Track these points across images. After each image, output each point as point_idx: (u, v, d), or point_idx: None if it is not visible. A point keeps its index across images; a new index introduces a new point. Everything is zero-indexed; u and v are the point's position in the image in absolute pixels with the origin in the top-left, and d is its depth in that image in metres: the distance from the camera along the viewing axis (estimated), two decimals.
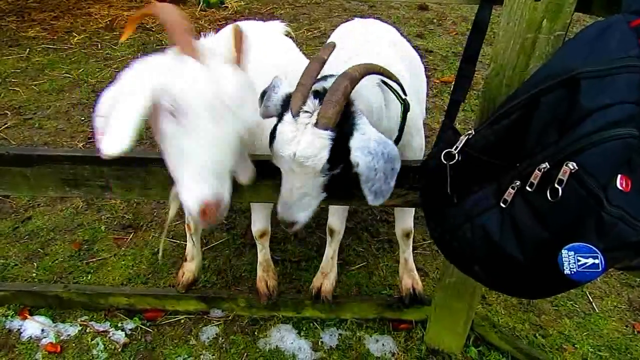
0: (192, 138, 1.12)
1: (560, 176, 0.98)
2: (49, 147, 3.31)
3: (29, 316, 2.09)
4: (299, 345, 2.02)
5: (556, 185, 0.98)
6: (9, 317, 2.09)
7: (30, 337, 2.02)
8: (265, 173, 1.59)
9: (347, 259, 2.50)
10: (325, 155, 1.25)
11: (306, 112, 1.27)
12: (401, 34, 2.31)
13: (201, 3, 5.60)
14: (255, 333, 2.08)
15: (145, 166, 1.58)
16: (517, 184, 1.08)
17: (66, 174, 1.61)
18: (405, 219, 2.07)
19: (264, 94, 1.42)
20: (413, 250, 2.57)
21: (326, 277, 2.11)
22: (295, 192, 1.35)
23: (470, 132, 1.20)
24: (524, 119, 1.10)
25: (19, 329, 2.05)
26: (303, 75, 1.31)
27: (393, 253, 2.55)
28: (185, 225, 2.11)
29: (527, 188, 1.05)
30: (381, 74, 1.39)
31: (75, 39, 5.03)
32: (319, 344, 2.03)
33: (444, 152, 1.20)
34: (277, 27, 2.46)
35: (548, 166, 1.01)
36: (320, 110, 1.24)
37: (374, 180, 1.28)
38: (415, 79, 1.91)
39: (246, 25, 2.04)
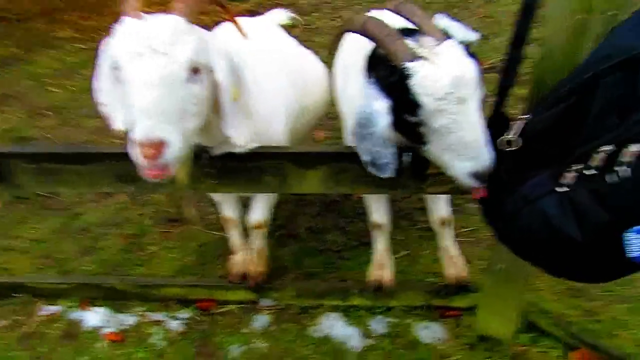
0: (127, 85, 1.19)
1: (623, 158, 0.98)
2: (90, 145, 3.42)
3: (90, 307, 2.19)
4: (349, 332, 2.07)
5: (618, 168, 0.99)
6: (72, 308, 2.20)
7: (92, 326, 2.12)
8: (309, 164, 1.63)
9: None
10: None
11: (417, 48, 1.22)
12: None
13: None
14: (305, 321, 2.13)
15: (195, 159, 1.63)
16: (577, 167, 1.08)
17: (120, 170, 1.67)
18: (441, 207, 2.03)
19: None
20: (455, 237, 2.58)
21: (383, 268, 2.11)
22: (481, 123, 1.24)
23: (525, 116, 1.20)
24: (581, 102, 1.10)
25: (80, 320, 2.16)
26: (383, 28, 1.25)
27: (435, 240, 2.56)
28: (222, 220, 2.18)
29: (588, 171, 1.05)
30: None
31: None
32: (369, 331, 2.08)
33: (505, 139, 1.21)
34: (278, 17, 2.48)
35: (609, 149, 1.01)
36: (426, 30, 1.24)
37: None
38: None
39: (242, 22, 2.15)
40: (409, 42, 1.24)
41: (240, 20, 2.25)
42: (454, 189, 1.64)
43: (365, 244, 2.57)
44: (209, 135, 1.48)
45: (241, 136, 1.44)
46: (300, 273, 2.39)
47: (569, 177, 1.11)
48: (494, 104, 1.37)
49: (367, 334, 2.06)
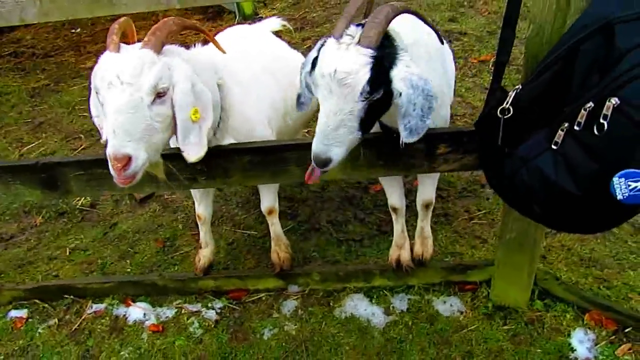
0: (105, 107, 1.47)
1: (604, 112, 1.11)
2: None
3: (132, 303, 2.37)
4: (372, 311, 2.19)
5: (602, 121, 1.11)
6: (115, 305, 2.39)
7: (135, 320, 2.31)
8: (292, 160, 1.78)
9: (407, 234, 2.64)
10: (365, 74, 1.30)
11: (349, 35, 1.35)
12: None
13: (237, 17, 5.92)
14: (331, 304, 2.27)
15: (227, 157, 1.81)
16: (566, 125, 1.20)
17: None
18: (427, 190, 2.17)
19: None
20: (470, 221, 2.70)
21: (402, 248, 2.26)
22: (332, 120, 1.35)
23: (517, 87, 1.34)
24: (566, 67, 1.23)
25: (124, 315, 2.34)
26: (348, 6, 1.42)
27: (450, 225, 2.68)
28: (196, 216, 2.38)
29: (575, 127, 1.18)
30: (417, 14, 1.50)
31: None
32: (391, 308, 2.20)
33: (499, 108, 1.34)
34: (271, 24, 2.71)
35: (592, 105, 1.14)
36: (363, 30, 1.33)
37: (411, 116, 1.37)
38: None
39: (236, 29, 2.46)
40: (353, 27, 1.39)
41: (235, 28, 2.47)
42: (464, 166, 1.78)
43: (384, 233, 2.70)
44: None
45: (192, 153, 1.62)
46: (324, 261, 2.53)
47: (561, 135, 1.23)
48: (492, 78, 1.51)
49: (389, 312, 2.19)
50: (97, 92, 1.52)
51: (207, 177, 1.87)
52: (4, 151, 4.10)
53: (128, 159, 1.42)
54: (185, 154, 1.62)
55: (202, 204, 2.33)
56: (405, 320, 2.14)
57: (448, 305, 2.16)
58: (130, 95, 1.43)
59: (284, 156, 1.81)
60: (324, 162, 1.42)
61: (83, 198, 3.29)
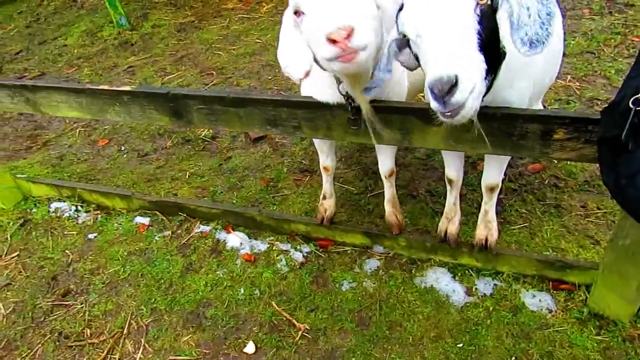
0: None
1: None
2: None
3: (231, 231, 2.62)
4: (454, 287, 2.15)
5: None
6: (218, 230, 2.66)
7: (232, 247, 2.55)
8: (434, 119, 1.71)
9: (508, 218, 2.50)
10: None
11: None
12: None
13: None
14: (412, 271, 2.27)
15: (331, 110, 1.85)
16: None
17: (269, 115, 1.97)
18: (492, 173, 2.02)
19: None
20: (584, 218, 2.45)
21: (451, 221, 2.22)
22: (451, 34, 1.18)
23: None
24: None
25: (224, 240, 2.60)
26: None
27: (561, 218, 2.46)
28: (322, 168, 2.41)
29: None
30: None
31: (264, 8, 5.68)
32: (473, 289, 2.14)
33: (633, 97, 1.17)
34: None
35: None
36: None
37: (527, 25, 1.21)
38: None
39: None
40: None
41: None
42: (582, 157, 1.60)
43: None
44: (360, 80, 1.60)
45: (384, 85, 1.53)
46: (415, 229, 2.51)
47: None
48: (635, 62, 1.31)
49: (471, 292, 2.13)
50: (296, 12, 1.40)
51: (311, 128, 1.94)
52: (150, 78, 4.63)
53: (351, 30, 1.23)
54: (377, 82, 1.55)
55: (329, 156, 2.38)
56: (486, 305, 2.06)
57: (537, 300, 2.03)
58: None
59: (385, 117, 1.79)
60: (449, 85, 1.14)
61: (205, 130, 3.63)
